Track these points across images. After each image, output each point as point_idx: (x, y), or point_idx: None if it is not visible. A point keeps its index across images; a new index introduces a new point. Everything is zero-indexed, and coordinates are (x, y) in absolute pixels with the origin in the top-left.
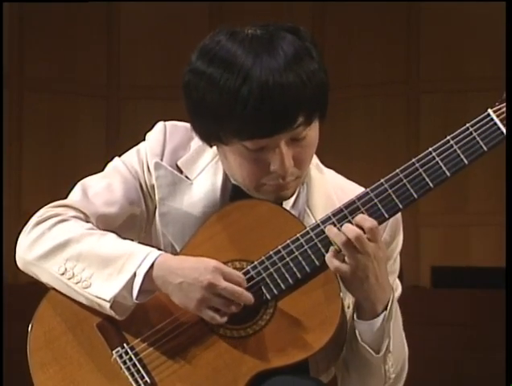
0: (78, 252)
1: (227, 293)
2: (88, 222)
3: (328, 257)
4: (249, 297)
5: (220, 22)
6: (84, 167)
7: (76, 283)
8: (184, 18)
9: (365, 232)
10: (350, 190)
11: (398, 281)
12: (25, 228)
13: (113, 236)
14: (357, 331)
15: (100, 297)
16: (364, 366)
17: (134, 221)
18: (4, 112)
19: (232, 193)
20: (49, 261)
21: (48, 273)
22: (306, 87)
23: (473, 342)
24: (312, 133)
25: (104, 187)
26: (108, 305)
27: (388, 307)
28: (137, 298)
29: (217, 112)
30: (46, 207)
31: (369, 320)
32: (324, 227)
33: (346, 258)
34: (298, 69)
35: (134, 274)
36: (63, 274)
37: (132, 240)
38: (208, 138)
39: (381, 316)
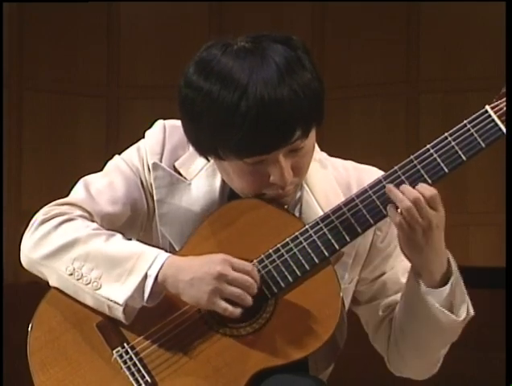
0: (86, 252)
1: (238, 283)
2: (92, 221)
3: (392, 211)
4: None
5: (220, 22)
6: (84, 167)
7: (86, 284)
8: (184, 18)
9: (425, 199)
10: (340, 168)
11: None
12: (30, 226)
13: (119, 236)
14: (428, 297)
15: (112, 300)
16: (438, 336)
17: (136, 219)
18: (4, 112)
19: (230, 194)
20: (56, 261)
21: (56, 272)
22: (301, 100)
23: (473, 342)
24: (310, 142)
25: (106, 185)
26: (121, 309)
27: (454, 272)
28: (147, 301)
29: (215, 129)
30: (50, 204)
31: (435, 288)
32: (324, 224)
33: (406, 220)
34: (291, 82)
35: (146, 275)
36: (71, 275)
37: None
38: (206, 153)
39: (449, 284)
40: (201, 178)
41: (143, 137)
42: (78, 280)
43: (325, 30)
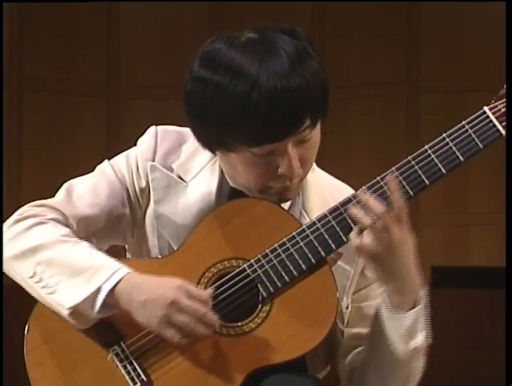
0: (49, 258)
1: (190, 312)
2: (67, 224)
3: (353, 235)
4: (213, 319)
5: (220, 22)
6: (84, 167)
7: (42, 287)
8: (184, 18)
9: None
10: (344, 190)
11: None
12: (4, 225)
13: (86, 245)
14: (388, 323)
15: (60, 305)
16: (391, 365)
17: (118, 225)
18: (4, 112)
19: (229, 196)
20: (20, 263)
21: (17, 273)
22: (311, 88)
23: (473, 342)
24: (316, 133)
25: (88, 189)
26: (66, 312)
27: (422, 302)
28: (99, 312)
29: (225, 119)
30: (28, 205)
31: (399, 313)
32: (320, 224)
33: (371, 240)
34: (302, 71)
35: (99, 289)
36: (31, 277)
37: (119, 245)
38: (213, 145)
39: (414, 310)
40: (199, 179)
41: (135, 143)
42: (36, 283)
43: (325, 30)
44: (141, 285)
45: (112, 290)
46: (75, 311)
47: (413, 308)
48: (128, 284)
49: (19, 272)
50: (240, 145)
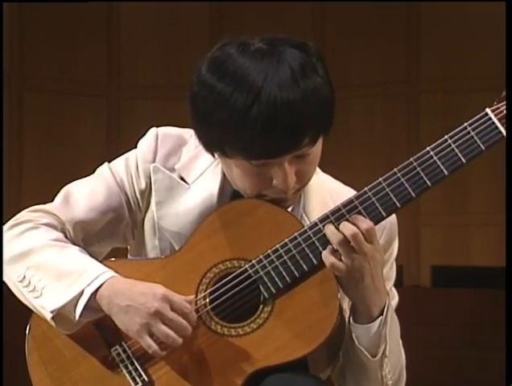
0: (37, 262)
1: (172, 324)
2: (63, 229)
3: (325, 254)
4: (189, 330)
5: (220, 22)
6: (85, 167)
7: (29, 291)
8: (184, 18)
9: (362, 233)
10: (345, 193)
11: (394, 290)
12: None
13: (75, 249)
14: (353, 335)
15: (44, 308)
16: (361, 371)
17: (116, 228)
18: (4, 112)
19: (231, 198)
20: (11, 267)
21: (8, 277)
22: (310, 104)
23: (473, 342)
24: (316, 149)
25: (85, 194)
26: (49, 316)
27: (384, 312)
28: (81, 316)
29: (225, 128)
30: (25, 210)
31: (364, 324)
32: (322, 225)
33: (342, 257)
34: (304, 87)
35: (82, 292)
36: (20, 281)
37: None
38: (211, 148)
39: (378, 321)
40: (201, 181)
41: (136, 145)
42: (24, 287)
43: (325, 30)
44: (123, 290)
45: (94, 294)
46: (58, 315)
47: (377, 318)
48: (111, 288)
49: (11, 276)
50: (237, 154)
